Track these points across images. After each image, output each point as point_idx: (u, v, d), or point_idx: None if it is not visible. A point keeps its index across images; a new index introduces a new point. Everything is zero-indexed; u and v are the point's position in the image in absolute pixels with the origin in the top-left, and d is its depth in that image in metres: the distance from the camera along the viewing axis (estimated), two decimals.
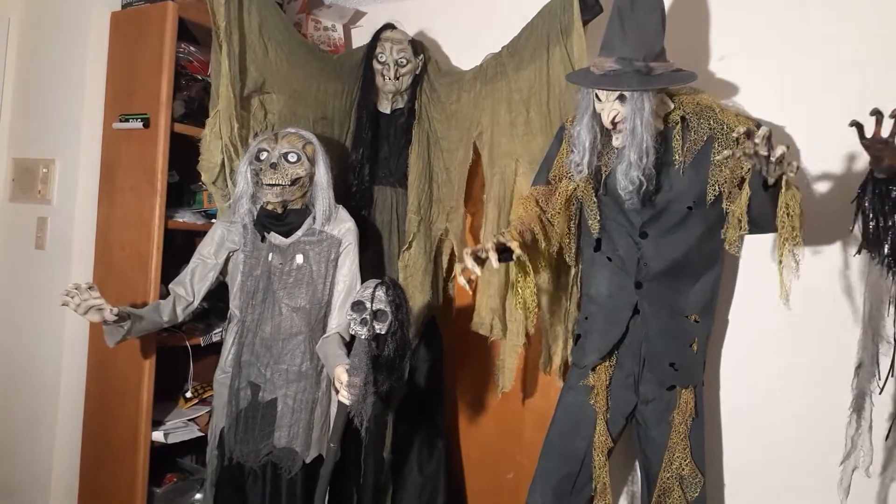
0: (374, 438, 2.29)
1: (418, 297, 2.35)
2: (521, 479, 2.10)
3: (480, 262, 1.66)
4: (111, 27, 2.42)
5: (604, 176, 1.90)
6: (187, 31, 2.42)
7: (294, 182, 2.03)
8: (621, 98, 1.76)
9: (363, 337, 1.71)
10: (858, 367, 1.83)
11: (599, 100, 1.80)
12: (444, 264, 2.48)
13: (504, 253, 1.72)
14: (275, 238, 2.08)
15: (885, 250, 1.53)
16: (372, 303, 1.70)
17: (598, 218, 1.97)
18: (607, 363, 1.97)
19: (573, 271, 2.15)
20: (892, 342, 1.77)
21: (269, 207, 2.05)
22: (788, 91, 2.05)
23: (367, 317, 1.70)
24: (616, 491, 2.26)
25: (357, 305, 1.72)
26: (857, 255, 1.62)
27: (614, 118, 1.78)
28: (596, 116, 1.82)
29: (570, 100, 2.13)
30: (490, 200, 2.30)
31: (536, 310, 1.89)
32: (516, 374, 2.34)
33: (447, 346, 2.55)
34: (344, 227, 2.10)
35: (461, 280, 1.64)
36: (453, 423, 2.64)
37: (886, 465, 1.86)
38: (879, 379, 1.79)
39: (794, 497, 2.03)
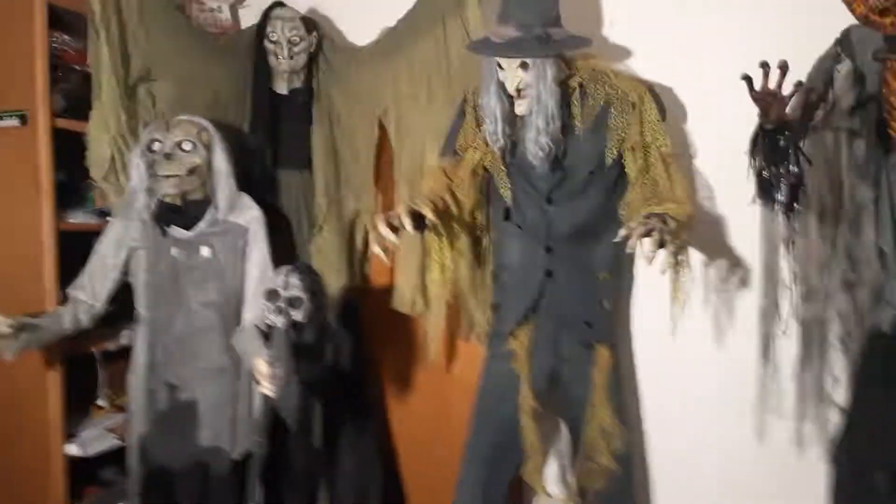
0: (303, 427, 2.25)
1: (334, 280, 2.32)
2: (454, 452, 2.10)
3: (394, 229, 1.63)
4: None
5: (509, 145, 1.91)
6: (59, 18, 2.25)
7: (191, 171, 1.95)
8: (524, 65, 1.76)
9: (280, 326, 1.66)
10: (762, 312, 1.92)
11: (502, 68, 1.80)
12: (360, 245, 2.45)
13: (417, 221, 1.70)
14: (176, 231, 2.00)
15: (778, 197, 1.59)
16: (286, 290, 1.66)
17: (509, 186, 1.98)
18: (526, 328, 2.00)
19: (485, 242, 2.15)
20: (789, 286, 1.87)
21: (168, 200, 1.97)
22: (677, 52, 2.10)
23: (282, 304, 1.66)
24: (545, 450, 2.31)
25: (271, 294, 1.68)
26: (753, 203, 1.67)
27: (518, 85, 1.78)
28: (500, 84, 1.82)
29: (470, 71, 2.11)
30: (401, 177, 2.28)
31: (452, 273, 1.87)
32: (441, 345, 2.34)
33: (368, 326, 2.53)
34: (249, 215, 2.04)
35: (377, 250, 1.60)
36: (382, 402, 2.62)
37: (799, 403, 1.91)
38: (781, 321, 1.88)
39: (713, 443, 2.12)
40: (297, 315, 1.67)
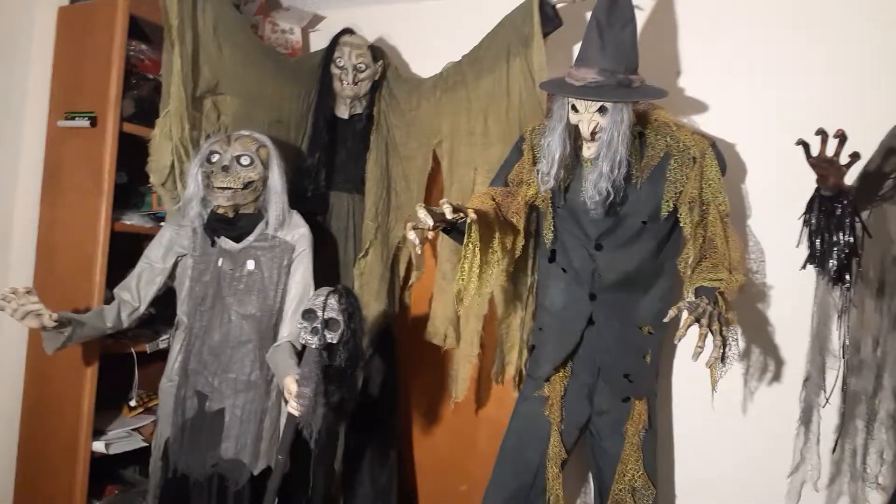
0: (325, 449, 2.24)
1: (373, 306, 2.32)
2: (475, 491, 2.07)
3: (435, 215, 1.57)
4: (58, 22, 2.34)
5: (563, 187, 1.89)
6: (139, 29, 2.35)
7: (246, 186, 1.98)
8: (602, 110, 1.75)
9: (314, 346, 1.66)
10: (806, 380, 1.88)
11: (576, 111, 1.78)
12: (402, 273, 2.45)
13: (454, 231, 1.67)
14: (225, 243, 2.03)
15: (830, 265, 1.56)
16: (324, 311, 1.66)
17: (553, 228, 1.97)
18: (562, 374, 1.97)
19: (529, 281, 2.14)
20: (838, 355, 1.82)
21: (220, 211, 2.00)
22: (741, 109, 2.09)
23: (319, 325, 1.66)
24: (570, 502, 2.26)
25: (308, 314, 1.68)
26: (803, 269, 1.64)
27: (594, 129, 1.76)
28: (569, 127, 1.81)
29: (529, 110, 2.14)
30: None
31: (479, 282, 1.70)
32: (470, 384, 2.33)
33: (402, 355, 2.52)
34: (297, 233, 2.05)
35: (411, 235, 1.55)
36: (407, 433, 2.61)
37: (833, 478, 1.88)
38: (825, 392, 1.83)
39: None
40: (332, 337, 1.66)
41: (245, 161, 1.98)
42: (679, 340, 1.54)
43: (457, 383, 2.27)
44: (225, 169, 1.95)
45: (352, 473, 2.39)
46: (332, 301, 1.67)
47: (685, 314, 1.54)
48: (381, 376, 2.41)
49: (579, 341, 1.94)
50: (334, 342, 1.68)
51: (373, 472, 2.40)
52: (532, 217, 2.00)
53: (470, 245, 1.66)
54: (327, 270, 2.26)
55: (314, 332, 1.67)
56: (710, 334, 1.53)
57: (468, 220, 1.64)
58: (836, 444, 1.83)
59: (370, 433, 2.41)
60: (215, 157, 1.98)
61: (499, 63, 2.17)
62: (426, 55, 2.48)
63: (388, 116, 2.39)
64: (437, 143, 2.31)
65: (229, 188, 1.95)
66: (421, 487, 2.61)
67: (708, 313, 1.55)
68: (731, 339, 1.59)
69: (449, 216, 1.57)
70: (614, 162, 1.75)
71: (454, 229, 1.72)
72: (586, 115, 1.76)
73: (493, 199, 1.88)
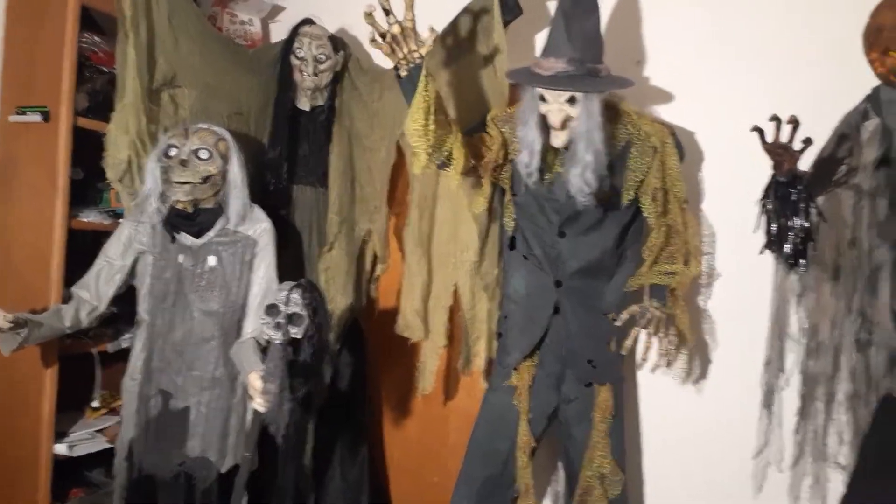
0: (294, 445, 2.22)
1: (340, 300, 2.30)
2: (447, 483, 2.08)
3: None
4: (7, 13, 2.26)
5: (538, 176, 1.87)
6: (91, 20, 2.28)
7: (205, 180, 1.94)
8: (571, 100, 1.74)
9: (277, 342, 1.65)
10: (767, 363, 1.91)
11: (545, 101, 1.77)
12: (368, 266, 2.44)
13: (412, 74, 1.68)
14: (185, 239, 1.99)
15: (787, 249, 1.58)
16: (287, 306, 1.64)
17: (514, 217, 1.99)
18: (529, 363, 1.98)
19: (496, 272, 2.15)
20: (797, 339, 1.85)
21: (179, 206, 1.96)
22: (699, 96, 2.11)
23: (282, 321, 1.64)
24: (540, 491, 2.28)
25: (271, 309, 1.66)
26: (761, 254, 1.66)
27: (563, 119, 1.76)
28: (541, 117, 1.80)
29: (492, 99, 2.12)
30: (413, 201, 2.26)
31: (433, 134, 1.73)
32: (440, 376, 2.34)
33: (371, 349, 2.51)
34: (259, 228, 2.03)
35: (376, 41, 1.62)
36: (378, 427, 2.60)
37: (797, 458, 1.91)
38: (785, 374, 1.87)
39: (712, 491, 2.08)
40: (296, 332, 1.65)
41: (204, 155, 1.94)
42: (626, 351, 1.71)
43: (424, 376, 2.26)
44: (183, 163, 1.91)
45: (322, 468, 2.38)
46: (296, 295, 1.65)
47: (638, 323, 1.73)
48: (349, 370, 2.40)
49: (546, 329, 1.95)
50: (299, 337, 1.66)
51: (343, 466, 2.39)
52: (495, 189, 2.02)
53: (426, 92, 1.66)
54: (292, 265, 2.23)
55: (277, 327, 1.65)
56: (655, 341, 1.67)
57: (424, 62, 1.64)
58: (797, 426, 1.86)
59: (340, 427, 2.39)
60: (173, 152, 1.94)
61: (460, 53, 2.15)
62: None
63: (350, 108, 2.36)
64: (401, 135, 2.26)
65: (188, 183, 1.91)
66: (393, 480, 2.61)
67: (655, 320, 1.71)
68: (673, 346, 1.77)
69: (407, 21, 1.60)
70: (595, 151, 1.75)
71: (408, 77, 1.71)
72: (555, 106, 1.76)
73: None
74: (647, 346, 1.75)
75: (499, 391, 2.00)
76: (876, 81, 1.65)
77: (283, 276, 2.02)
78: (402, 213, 2.36)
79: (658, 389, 2.17)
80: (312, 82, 2.27)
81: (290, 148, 2.29)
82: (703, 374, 2.06)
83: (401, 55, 1.68)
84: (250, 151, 2.17)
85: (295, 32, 2.30)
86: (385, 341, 2.41)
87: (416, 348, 2.32)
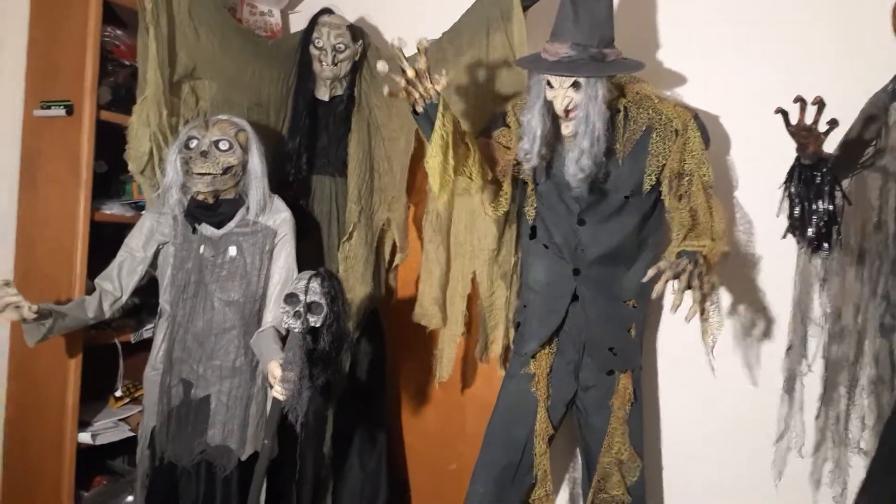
0: (313, 433, 2.25)
1: (359, 289, 2.31)
2: (465, 470, 2.08)
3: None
4: (31, 9, 2.29)
5: (545, 164, 1.89)
6: (113, 14, 2.31)
7: (226, 171, 1.96)
8: (575, 85, 1.74)
9: (297, 330, 1.66)
10: (789, 349, 1.88)
11: (552, 87, 1.77)
12: (387, 255, 2.44)
13: (428, 111, 1.68)
14: (206, 229, 2.01)
15: (810, 234, 1.55)
16: (306, 295, 1.66)
17: (535, 205, 1.97)
18: (548, 350, 1.98)
19: (513, 260, 2.15)
20: (820, 324, 1.83)
21: (200, 197, 1.98)
22: (726, 81, 2.07)
23: (301, 309, 1.65)
24: (558, 477, 2.28)
25: (290, 298, 1.67)
26: (784, 239, 1.64)
27: (567, 105, 1.76)
28: (547, 104, 1.79)
29: (510, 87, 2.12)
30: (432, 190, 2.23)
31: (453, 169, 1.75)
32: (457, 364, 2.35)
33: (389, 338, 2.52)
34: (279, 218, 2.04)
35: (380, 65, 1.61)
36: (396, 415, 2.61)
37: (818, 444, 1.89)
38: (808, 360, 1.85)
39: (731, 478, 2.07)
40: (315, 321, 1.66)
41: (224, 146, 1.96)
42: (657, 295, 1.55)
43: (441, 363, 2.27)
44: (204, 154, 1.93)
45: (341, 457, 2.39)
46: (315, 284, 1.66)
47: (667, 273, 1.55)
48: (368, 359, 2.40)
49: (564, 317, 1.94)
50: (318, 326, 1.67)
51: (362, 454, 2.40)
52: (516, 185, 1.99)
53: (443, 129, 1.67)
54: (311, 255, 2.24)
55: (297, 315, 1.66)
56: (690, 290, 1.54)
57: (441, 99, 1.64)
58: (818, 411, 1.84)
59: (359, 416, 2.40)
60: (193, 143, 1.96)
61: (478, 39, 2.14)
62: (407, 34, 2.43)
63: (369, 97, 2.36)
64: None
65: (208, 174, 1.93)
66: (411, 468, 2.62)
67: (688, 271, 1.56)
68: (710, 294, 1.60)
69: (421, 62, 1.59)
70: (593, 138, 1.75)
71: (425, 113, 1.71)
72: (560, 91, 1.75)
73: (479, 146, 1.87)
74: (681, 290, 1.55)
75: (517, 379, 2.00)
76: None
77: (302, 265, 2.04)
78: (422, 202, 2.35)
79: (677, 376, 2.16)
80: (331, 72, 2.27)
81: (310, 138, 2.30)
82: (724, 360, 2.02)
83: (416, 95, 1.69)
84: (270, 142, 2.18)
85: (314, 22, 2.30)
86: (403, 330, 2.42)
87: (434, 337, 2.33)
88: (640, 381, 1.97)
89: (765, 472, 1.96)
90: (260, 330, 1.97)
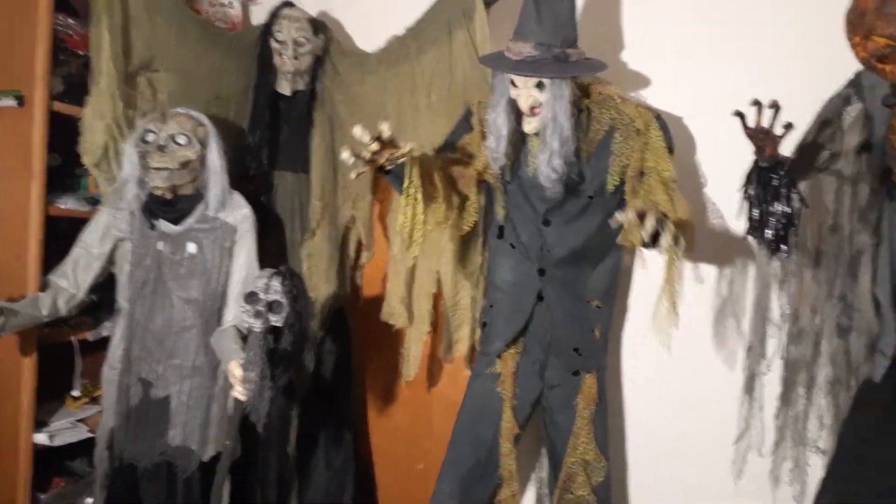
0: (277, 433, 2.22)
1: (323, 288, 2.29)
2: (432, 468, 2.07)
3: (376, 140, 1.59)
4: None
5: (511, 163, 1.88)
6: (65, 2, 2.23)
7: (184, 165, 1.92)
8: (539, 85, 1.74)
9: (257, 330, 1.63)
10: (749, 349, 1.90)
11: (516, 86, 1.77)
12: (352, 253, 2.42)
13: (392, 175, 1.66)
14: (164, 225, 1.97)
15: (768, 235, 1.57)
16: (266, 293, 1.63)
17: (504, 205, 1.96)
18: (514, 350, 1.98)
19: (479, 260, 2.14)
20: (779, 324, 1.85)
21: (158, 193, 1.94)
22: (692, 81, 2.08)
23: (262, 308, 1.62)
24: (524, 477, 2.28)
25: (250, 297, 1.64)
26: (744, 240, 1.65)
27: (532, 105, 1.75)
28: (511, 102, 1.79)
29: (473, 84, 2.12)
30: None
31: (422, 229, 1.75)
32: (424, 363, 2.35)
33: (356, 336, 2.50)
34: (240, 214, 2.01)
35: (344, 155, 1.57)
36: (363, 414, 2.60)
37: (778, 443, 1.91)
38: (767, 360, 1.86)
39: (694, 478, 2.09)
40: (276, 320, 1.63)
41: (182, 140, 1.91)
42: (615, 225, 1.50)
43: (408, 362, 2.27)
44: (161, 148, 1.89)
45: (306, 456, 2.37)
46: (276, 283, 1.64)
47: (631, 212, 1.50)
48: (333, 358, 2.39)
49: (530, 317, 1.94)
50: (279, 325, 1.65)
51: (328, 454, 2.39)
52: (483, 189, 1.98)
53: (411, 187, 1.67)
54: (274, 252, 2.22)
55: (257, 315, 1.63)
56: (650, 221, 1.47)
57: (407, 158, 1.63)
58: (778, 411, 1.86)
59: (325, 415, 2.39)
60: (150, 137, 1.91)
61: (441, 36, 2.14)
62: (370, 29, 2.41)
63: (332, 92, 2.33)
64: (383, 120, 2.21)
65: (166, 168, 1.88)
66: (378, 467, 2.61)
67: (654, 210, 1.51)
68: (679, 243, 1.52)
69: (386, 133, 1.57)
70: (562, 138, 1.74)
71: (393, 172, 1.71)
72: (524, 91, 1.75)
73: (441, 160, 1.88)
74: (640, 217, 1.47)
75: (483, 378, 1.99)
76: (859, 66, 1.64)
77: (264, 263, 2.01)
78: (387, 200, 2.34)
79: (641, 377, 2.17)
80: (292, 66, 2.23)
81: (271, 133, 2.27)
82: (685, 361, 2.05)
83: (382, 160, 1.68)
84: (230, 136, 2.14)
85: (274, 15, 2.26)
86: (370, 329, 2.40)
87: (400, 335, 2.31)
88: (604, 382, 1.97)
89: (726, 471, 1.98)
90: (220, 329, 1.94)
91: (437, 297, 2.22)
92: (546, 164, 1.76)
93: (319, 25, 2.31)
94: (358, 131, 1.55)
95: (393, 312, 2.22)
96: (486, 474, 1.97)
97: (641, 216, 1.47)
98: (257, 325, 1.64)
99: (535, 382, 1.98)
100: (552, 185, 1.79)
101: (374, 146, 1.58)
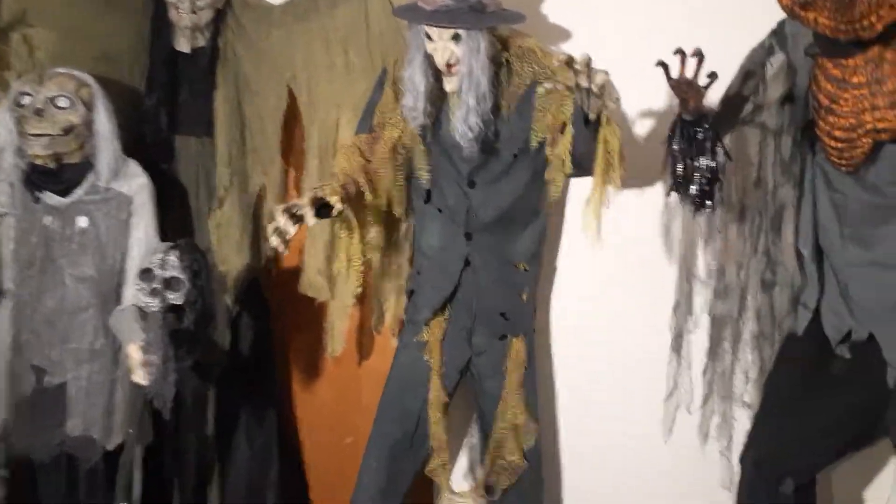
0: (193, 415, 2.12)
1: (235, 260, 2.16)
2: (361, 443, 2.03)
3: (296, 219, 1.53)
4: None
5: (431, 123, 1.82)
6: None
7: (67, 131, 1.77)
8: (456, 38, 1.67)
9: (154, 310, 1.51)
10: (676, 306, 1.90)
11: (431, 39, 1.70)
12: (266, 221, 2.23)
13: (324, 209, 1.60)
14: (50, 198, 1.83)
15: (693, 191, 1.54)
16: (163, 269, 1.50)
17: (427, 167, 1.90)
18: (441, 317, 1.95)
19: (404, 226, 2.07)
20: (705, 281, 1.85)
21: (39, 162, 1.80)
22: (607, 33, 2.00)
23: (158, 286, 1.50)
24: (455, 445, 2.24)
25: (145, 274, 1.53)
26: (668, 196, 1.63)
27: (448, 59, 1.69)
28: (428, 57, 1.72)
29: (392, 41, 2.03)
30: (310, 150, 2.14)
31: (362, 268, 1.79)
32: (351, 334, 2.28)
33: (275, 309, 2.39)
34: (135, 184, 1.88)
35: (273, 241, 1.52)
36: (287, 391, 2.49)
37: (706, 399, 1.93)
38: (693, 317, 1.88)
39: (623, 438, 2.09)
40: (175, 298, 1.52)
41: (62, 103, 1.76)
42: (545, 91, 1.56)
43: (333, 337, 2.21)
44: (38, 113, 1.74)
45: (227, 437, 2.27)
46: (173, 258, 1.52)
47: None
48: (251, 334, 2.28)
49: (457, 284, 1.91)
50: (179, 303, 1.53)
51: (249, 433, 2.29)
52: (402, 160, 1.91)
53: (343, 235, 1.70)
54: (179, 224, 2.09)
55: (154, 293, 1.52)
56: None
57: (334, 209, 1.60)
58: (705, 367, 1.88)
59: (245, 394, 2.28)
60: (26, 100, 1.76)
61: None
62: None
63: (235, 48, 2.16)
64: (291, 78, 2.13)
65: (45, 134, 1.74)
66: (305, 444, 2.53)
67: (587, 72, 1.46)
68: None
69: (310, 221, 1.55)
70: (478, 94, 1.69)
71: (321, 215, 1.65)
72: (440, 44, 1.69)
73: (361, 153, 1.81)
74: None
75: (409, 347, 1.96)
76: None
77: (169, 236, 1.89)
78: (300, 165, 2.22)
79: (569, 338, 2.15)
80: (190, 20, 2.06)
81: (170, 95, 2.11)
82: (613, 320, 2.05)
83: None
84: (123, 99, 2.00)
85: None
86: (291, 301, 2.30)
87: (324, 308, 2.24)
88: (532, 346, 1.96)
89: (656, 430, 1.99)
90: (119, 308, 1.81)
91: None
92: (462, 122, 1.71)
93: None
94: (282, 221, 1.51)
95: (312, 284, 2.14)
96: (414, 445, 1.95)
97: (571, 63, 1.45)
98: (154, 305, 1.52)
99: (462, 349, 1.95)
100: (468, 144, 1.74)
101: (290, 233, 1.53)
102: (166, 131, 2.10)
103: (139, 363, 1.59)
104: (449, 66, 1.70)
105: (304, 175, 2.16)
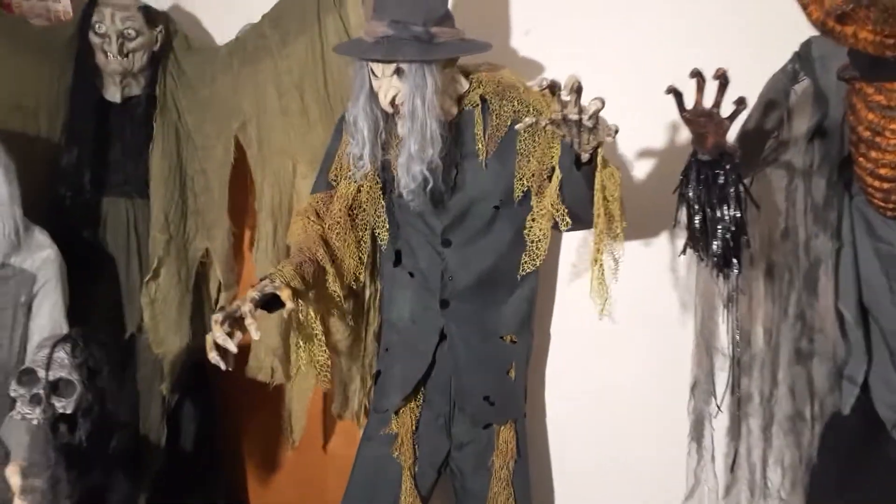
0: None
1: (173, 340, 1.97)
2: None
3: (237, 325, 1.35)
4: None
5: (394, 172, 1.62)
6: None
7: None
8: (399, 72, 1.48)
9: (35, 422, 1.20)
10: (694, 386, 1.67)
11: (376, 75, 1.52)
12: (213, 294, 2.09)
13: (275, 301, 1.43)
14: None
15: (714, 248, 1.31)
16: (47, 370, 1.20)
17: (388, 226, 1.71)
18: (413, 403, 1.73)
19: (367, 293, 1.86)
20: (728, 353, 1.59)
21: None
22: (601, 65, 1.80)
23: (40, 391, 1.20)
24: None
25: (25, 376, 1.22)
26: (682, 255, 1.42)
27: (393, 98, 1.50)
28: (374, 96, 1.54)
29: (351, 81, 1.77)
30: (262, 210, 1.95)
31: (329, 366, 1.61)
32: (313, 420, 2.09)
33: (225, 395, 2.19)
34: (40, 258, 1.68)
35: (212, 357, 1.32)
36: (242, 487, 2.29)
37: (729, 488, 1.68)
38: (716, 398, 1.62)
39: None
40: (64, 406, 1.22)
41: None
42: (523, 127, 1.28)
43: (291, 424, 2.02)
44: None
45: None
46: (61, 354, 1.25)
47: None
48: (194, 426, 2.08)
49: (431, 362, 1.69)
50: (68, 412, 1.22)
51: None
52: (364, 219, 1.73)
53: (300, 317, 1.54)
54: (105, 301, 1.92)
55: (35, 401, 1.21)
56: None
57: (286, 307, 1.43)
58: (734, 461, 1.64)
59: (189, 494, 2.04)
60: None
61: (309, 24, 1.87)
62: (225, 17, 2.08)
63: (176, 97, 2.01)
64: (240, 128, 1.96)
65: None
66: None
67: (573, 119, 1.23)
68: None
69: (255, 335, 1.36)
70: (424, 138, 1.50)
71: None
72: (384, 80, 1.52)
73: (318, 216, 1.67)
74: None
75: (375, 441, 1.73)
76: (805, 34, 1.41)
77: (91, 316, 1.75)
78: (251, 226, 2.04)
79: (570, 420, 1.93)
80: (120, 65, 1.91)
81: (97, 150, 1.94)
82: (619, 401, 1.84)
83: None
84: (39, 156, 1.86)
85: (94, 2, 1.92)
86: (243, 384, 2.05)
87: (282, 389, 2.02)
88: (524, 432, 1.74)
89: None
90: (11, 414, 1.50)
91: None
92: (405, 172, 1.53)
93: (155, 14, 1.98)
94: (220, 338, 1.31)
95: (261, 367, 1.95)
96: None
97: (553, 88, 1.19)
98: (34, 416, 1.21)
99: (440, 441, 1.74)
100: (413, 196, 1.55)
101: (232, 350, 1.34)
102: (90, 192, 1.94)
103: (19, 490, 1.27)
104: (394, 105, 1.52)
105: (256, 237, 1.96)
